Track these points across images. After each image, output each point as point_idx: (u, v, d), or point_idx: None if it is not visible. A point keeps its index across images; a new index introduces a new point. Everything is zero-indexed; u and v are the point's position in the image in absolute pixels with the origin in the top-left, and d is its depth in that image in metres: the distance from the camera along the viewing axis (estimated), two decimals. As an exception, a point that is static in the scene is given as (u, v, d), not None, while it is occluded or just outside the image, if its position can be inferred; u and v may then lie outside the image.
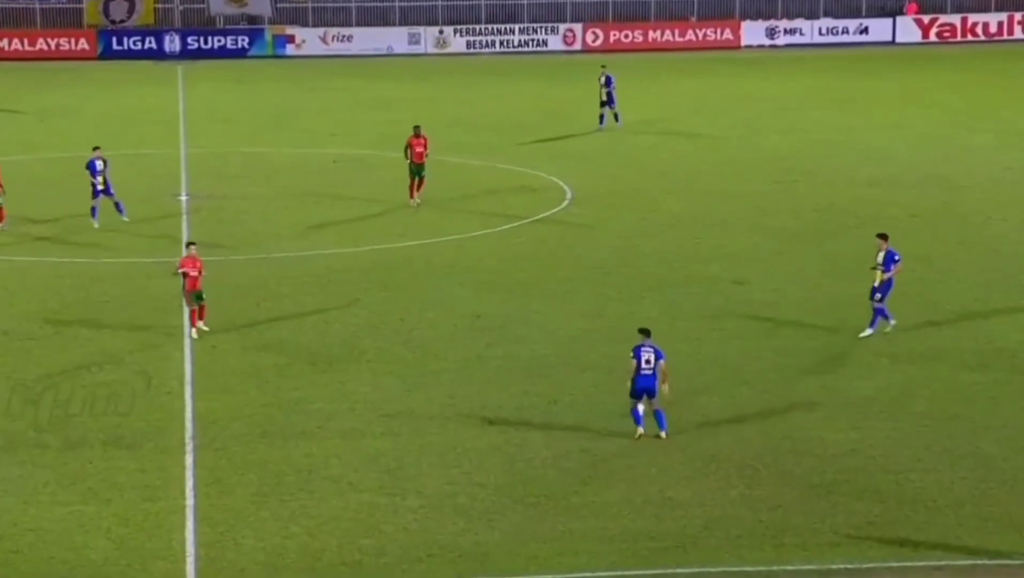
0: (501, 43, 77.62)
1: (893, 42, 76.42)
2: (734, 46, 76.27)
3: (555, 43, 77.33)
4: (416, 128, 41.85)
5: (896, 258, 30.66)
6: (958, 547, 21.61)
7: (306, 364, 29.33)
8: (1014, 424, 26.18)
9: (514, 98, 63.57)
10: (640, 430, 25.46)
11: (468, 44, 77.60)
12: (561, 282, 35.21)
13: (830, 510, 22.87)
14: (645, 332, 25.78)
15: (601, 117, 52.39)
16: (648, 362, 25.36)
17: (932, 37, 76.59)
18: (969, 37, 76.56)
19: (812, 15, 77.69)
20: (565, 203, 43.45)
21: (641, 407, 25.53)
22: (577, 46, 77.19)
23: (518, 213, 41.88)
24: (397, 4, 79.41)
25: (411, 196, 42.09)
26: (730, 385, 28.31)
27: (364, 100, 63.82)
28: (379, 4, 79.81)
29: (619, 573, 21.22)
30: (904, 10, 77.32)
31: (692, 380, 28.29)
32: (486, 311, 32.64)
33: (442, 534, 22.25)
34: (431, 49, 77.49)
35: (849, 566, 21.13)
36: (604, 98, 52.27)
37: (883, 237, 30.96)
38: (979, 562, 21.26)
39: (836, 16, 77.58)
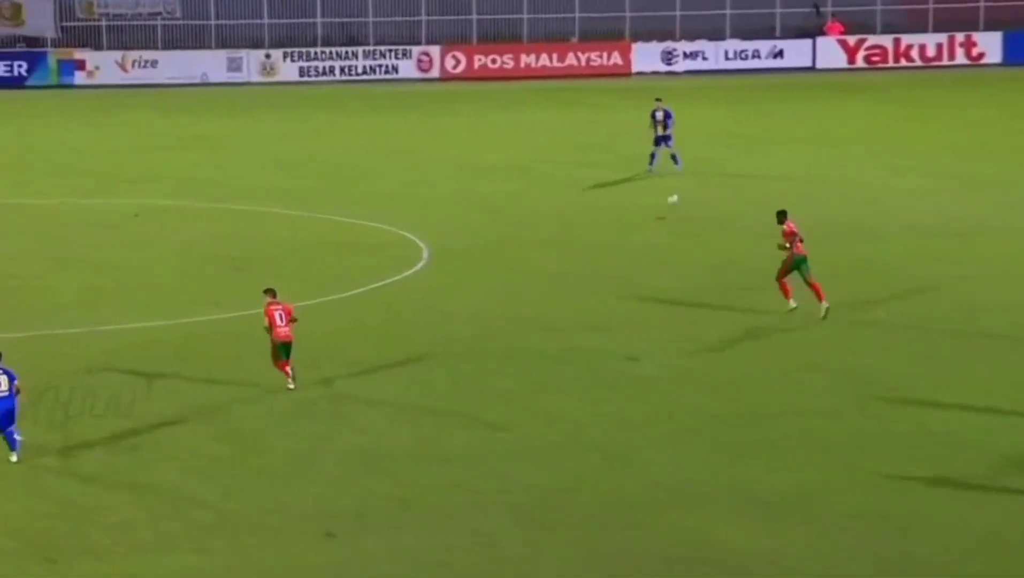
0: (342, 69, 77.82)
1: (813, 67, 77.87)
2: (624, 72, 77.17)
3: (407, 69, 77.70)
4: (781, 214, 38.16)
5: None
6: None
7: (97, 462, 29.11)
8: (950, 523, 26.59)
9: (355, 135, 63.72)
10: None
11: (301, 71, 77.70)
12: (411, 359, 35.30)
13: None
14: None
15: (652, 156, 52.97)
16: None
17: (859, 62, 78.16)
18: (903, 62, 78.26)
19: (717, 36, 78.82)
20: (421, 263, 43.58)
21: None
22: (434, 73, 77.60)
23: (360, 277, 41.89)
24: (213, 23, 79.39)
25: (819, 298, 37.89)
26: (616, 475, 28.52)
27: (171, 138, 63.61)
28: (192, 23, 79.75)
29: None
30: (825, 30, 78.81)
31: (566, 473, 28.55)
32: (319, 394, 32.58)
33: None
34: (255, 77, 77.47)
35: None
36: (661, 133, 52.79)
37: None
38: None
39: (745, 37, 78.79)
